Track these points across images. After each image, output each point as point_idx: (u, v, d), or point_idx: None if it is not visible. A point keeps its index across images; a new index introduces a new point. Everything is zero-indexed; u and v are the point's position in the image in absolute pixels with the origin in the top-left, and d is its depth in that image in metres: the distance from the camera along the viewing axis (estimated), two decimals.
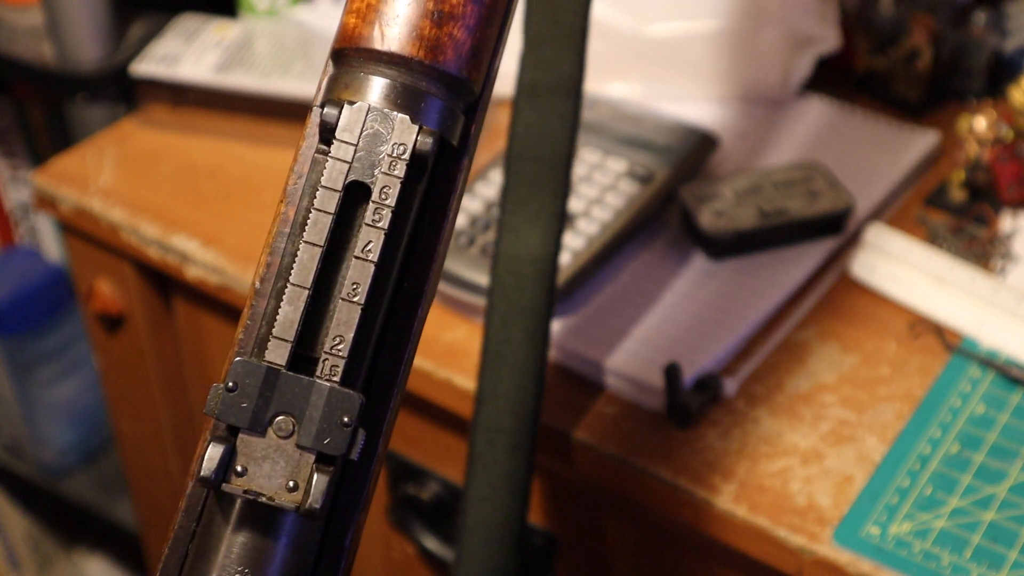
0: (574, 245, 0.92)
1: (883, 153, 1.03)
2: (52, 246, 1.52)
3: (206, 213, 1.03)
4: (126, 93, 1.22)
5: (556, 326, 0.89)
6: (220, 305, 1.03)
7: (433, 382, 0.89)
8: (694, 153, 0.99)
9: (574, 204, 0.95)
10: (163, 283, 1.10)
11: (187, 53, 1.10)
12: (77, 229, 1.08)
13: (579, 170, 0.98)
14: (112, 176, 1.07)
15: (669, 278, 0.93)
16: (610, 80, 1.07)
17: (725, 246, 0.94)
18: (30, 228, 1.53)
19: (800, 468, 0.81)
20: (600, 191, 0.96)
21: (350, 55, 0.45)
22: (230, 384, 0.42)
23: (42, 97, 1.40)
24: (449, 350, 0.89)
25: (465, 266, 0.90)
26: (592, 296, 0.92)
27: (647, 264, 0.95)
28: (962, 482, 0.81)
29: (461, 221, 0.94)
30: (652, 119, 1.02)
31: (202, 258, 0.99)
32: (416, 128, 0.43)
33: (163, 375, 1.15)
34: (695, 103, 1.07)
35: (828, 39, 1.08)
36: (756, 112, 1.07)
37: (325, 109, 0.44)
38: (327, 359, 0.42)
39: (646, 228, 0.97)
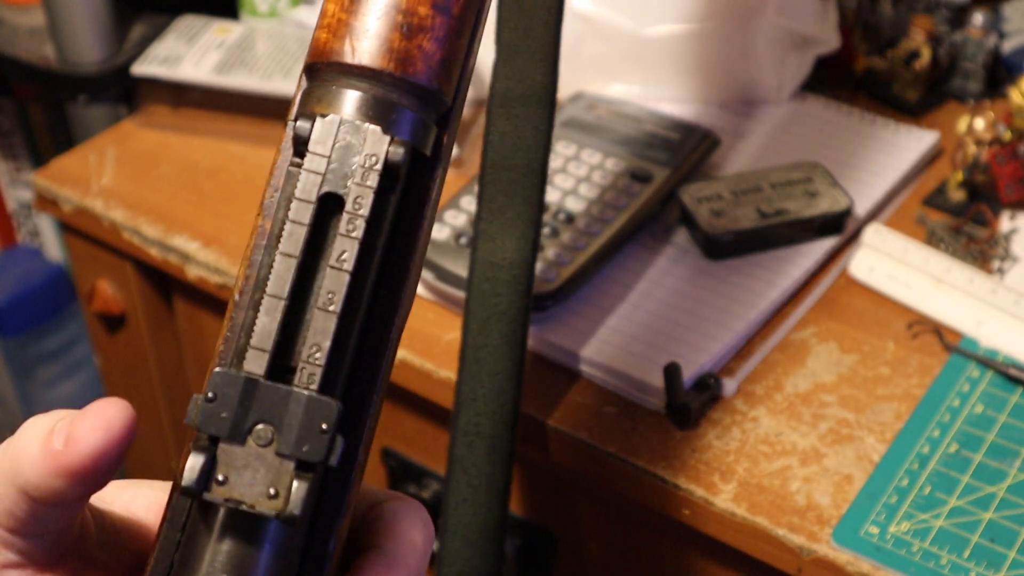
0: (573, 245, 0.92)
1: (882, 153, 1.03)
2: (53, 246, 1.52)
3: (207, 213, 1.03)
4: (127, 94, 1.22)
5: (555, 326, 0.90)
6: (221, 305, 1.03)
7: (433, 382, 0.89)
8: (693, 153, 0.99)
9: (574, 204, 0.95)
10: (164, 283, 1.10)
11: (188, 54, 1.10)
12: (78, 229, 1.08)
13: (579, 170, 0.98)
14: (113, 176, 1.07)
15: (669, 278, 0.94)
16: (610, 80, 1.07)
17: (724, 246, 0.94)
18: (31, 228, 1.53)
19: (799, 468, 0.82)
20: (600, 191, 0.96)
21: (322, 69, 0.46)
22: (210, 395, 0.42)
23: (43, 97, 1.40)
24: (449, 350, 0.90)
25: (466, 268, 0.90)
26: (591, 296, 0.92)
27: (647, 264, 0.95)
28: (961, 482, 0.81)
29: (464, 224, 0.94)
30: (652, 119, 1.02)
31: (203, 258, 0.99)
32: (387, 139, 0.44)
33: (164, 375, 1.15)
34: (694, 104, 1.08)
35: (827, 40, 1.08)
36: (755, 112, 1.08)
37: (298, 122, 0.44)
38: (304, 367, 0.43)
39: (646, 228, 0.97)
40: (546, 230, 0.93)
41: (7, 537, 0.44)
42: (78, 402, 1.51)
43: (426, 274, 0.93)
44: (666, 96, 1.07)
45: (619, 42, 1.06)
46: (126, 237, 1.03)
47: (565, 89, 1.07)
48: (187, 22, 1.15)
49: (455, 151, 1.04)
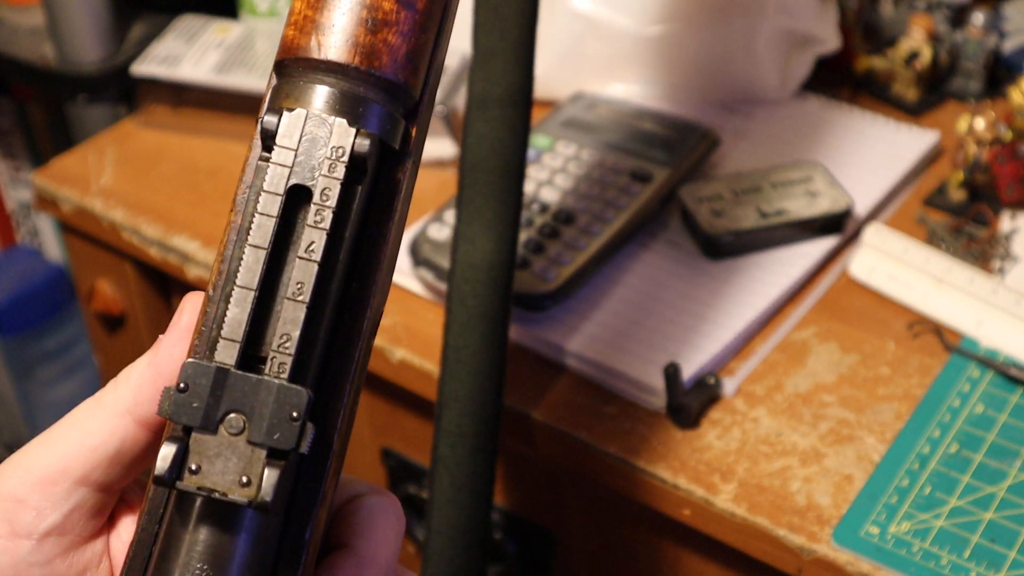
0: (573, 245, 0.92)
1: (882, 153, 1.03)
2: (53, 246, 1.52)
3: (207, 213, 1.03)
4: (127, 93, 1.23)
5: (555, 325, 0.90)
6: None
7: (433, 382, 0.89)
8: (694, 153, 0.99)
9: (574, 203, 0.95)
10: (164, 283, 1.10)
11: (188, 54, 1.10)
12: (78, 229, 1.08)
13: (579, 170, 0.98)
14: (113, 176, 1.07)
15: (668, 278, 0.94)
16: (610, 80, 1.07)
17: (724, 246, 0.94)
18: (31, 228, 1.54)
19: (799, 468, 0.82)
20: (600, 190, 0.96)
21: (290, 65, 0.46)
22: (181, 385, 0.43)
23: (43, 97, 1.41)
24: None
25: None
26: (591, 296, 0.92)
27: (647, 264, 0.95)
28: (961, 482, 0.81)
29: None
30: (652, 119, 1.02)
31: (203, 258, 0.99)
32: (353, 131, 0.45)
33: None
34: (694, 103, 1.08)
35: (827, 39, 1.08)
36: (756, 112, 1.08)
37: (265, 117, 0.45)
38: (275, 357, 0.43)
39: (646, 228, 0.97)
40: (546, 230, 0.93)
41: (70, 490, 0.47)
42: (78, 402, 1.51)
43: (426, 274, 0.93)
44: (666, 95, 1.07)
45: (619, 42, 1.06)
46: (126, 237, 1.03)
47: (565, 89, 1.07)
48: (187, 22, 1.15)
49: (454, 149, 1.04)
